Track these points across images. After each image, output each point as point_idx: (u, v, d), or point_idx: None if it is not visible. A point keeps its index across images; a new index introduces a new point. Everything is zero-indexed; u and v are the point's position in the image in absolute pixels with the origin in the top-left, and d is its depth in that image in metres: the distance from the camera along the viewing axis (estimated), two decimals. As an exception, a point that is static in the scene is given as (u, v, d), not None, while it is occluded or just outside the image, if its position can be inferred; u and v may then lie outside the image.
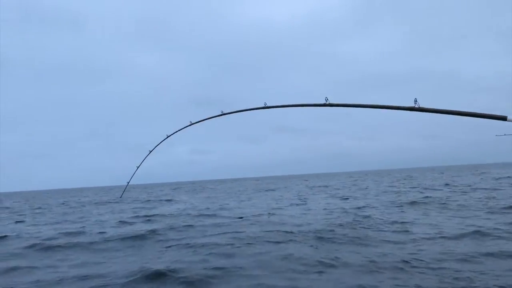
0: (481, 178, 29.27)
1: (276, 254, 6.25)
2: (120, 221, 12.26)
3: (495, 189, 17.51)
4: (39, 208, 25.05)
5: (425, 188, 21.61)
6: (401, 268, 5.16)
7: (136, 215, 14.98)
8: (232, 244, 7.25)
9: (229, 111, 7.00)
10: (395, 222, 9.23)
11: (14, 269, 6.16)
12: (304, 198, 19.45)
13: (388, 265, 5.33)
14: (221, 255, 6.39)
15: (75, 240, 8.70)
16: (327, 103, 4.37)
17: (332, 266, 5.44)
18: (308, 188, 32.35)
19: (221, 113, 6.69)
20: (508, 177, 27.83)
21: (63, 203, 29.65)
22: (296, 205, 15.49)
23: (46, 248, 7.96)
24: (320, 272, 5.19)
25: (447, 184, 24.20)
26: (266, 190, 32.22)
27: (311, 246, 6.91)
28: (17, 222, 14.98)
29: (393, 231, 8.00)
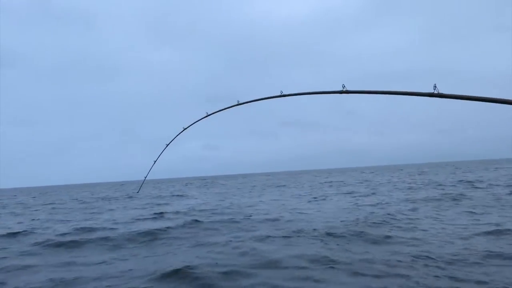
0: (501, 174, 28.79)
1: (288, 253, 6.21)
2: (133, 218, 12.34)
3: (509, 185, 17.21)
4: (52, 203, 25.41)
5: (439, 184, 21.32)
6: (413, 267, 5.08)
7: (148, 211, 15.08)
8: (243, 242, 7.24)
9: (245, 101, 6.91)
10: (409, 219, 9.11)
11: (27, 267, 6.15)
12: (316, 195, 19.36)
13: (402, 264, 5.26)
14: (235, 253, 6.37)
15: (88, 236, 8.77)
16: (344, 90, 4.27)
17: (344, 264, 5.38)
18: (319, 184, 32.21)
19: (237, 103, 6.62)
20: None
21: (77, 199, 30.03)
22: (308, 202, 15.43)
23: (60, 244, 8.02)
24: (331, 270, 5.13)
25: (460, 180, 23.85)
26: (278, 186, 32.19)
27: (324, 244, 6.85)
28: (29, 218, 15.18)
29: (407, 229, 7.89)
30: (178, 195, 26.70)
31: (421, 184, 22.39)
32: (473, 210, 10.17)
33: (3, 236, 9.62)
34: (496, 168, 42.87)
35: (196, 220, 10.55)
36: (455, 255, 5.62)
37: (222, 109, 7.31)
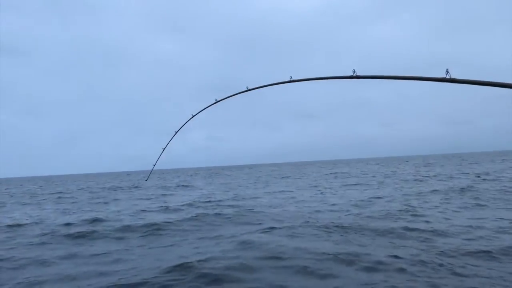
0: (508, 166, 28.54)
1: (293, 245, 6.19)
2: (138, 209, 12.39)
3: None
4: (59, 193, 25.62)
5: (446, 177, 21.18)
6: (418, 261, 5.04)
7: (154, 203, 15.17)
8: (248, 234, 7.24)
9: (255, 87, 6.83)
10: (415, 211, 9.04)
11: (34, 258, 6.16)
12: (322, 186, 19.33)
13: (407, 258, 5.22)
14: (240, 246, 6.37)
15: (94, 228, 8.81)
16: (354, 75, 4.17)
17: (349, 257, 5.35)
18: (324, 175, 32.17)
19: (246, 89, 6.53)
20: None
21: (84, 189, 30.26)
22: (313, 194, 15.40)
23: (66, 235, 8.06)
24: (336, 263, 5.11)
25: (467, 172, 23.69)
26: (283, 177, 32.20)
27: (329, 237, 6.83)
28: (36, 208, 15.32)
29: (412, 221, 7.82)
30: (183, 186, 26.81)
31: (427, 177, 22.25)
32: (480, 203, 10.10)
33: (11, 226, 9.71)
34: (503, 160, 42.53)
35: (201, 212, 10.58)
36: (461, 249, 5.57)
37: (232, 95, 7.20)
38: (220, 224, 8.72)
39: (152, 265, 5.45)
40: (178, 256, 5.96)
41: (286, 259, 5.45)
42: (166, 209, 12.09)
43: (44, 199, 20.58)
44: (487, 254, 5.33)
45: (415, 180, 20.06)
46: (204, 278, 4.77)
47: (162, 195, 19.13)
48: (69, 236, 8.04)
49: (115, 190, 26.45)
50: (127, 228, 8.57)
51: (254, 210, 10.94)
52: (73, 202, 17.39)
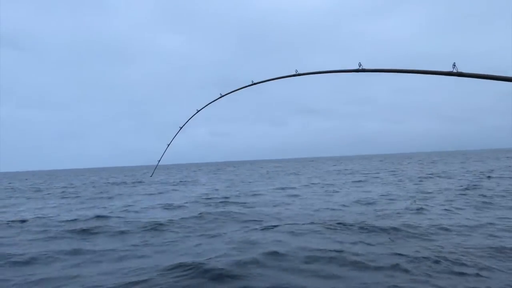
0: None
1: (296, 244, 6.16)
2: (142, 206, 12.38)
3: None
4: (64, 187, 25.74)
5: (450, 175, 21.09)
6: (421, 262, 4.99)
7: (158, 199, 15.19)
8: (251, 232, 7.21)
9: (260, 81, 6.75)
10: (418, 211, 8.99)
11: (36, 256, 6.10)
12: (325, 183, 19.29)
13: (410, 258, 5.17)
14: (243, 244, 6.34)
15: (97, 224, 8.80)
16: (360, 68, 4.08)
17: (351, 256, 5.32)
18: (327, 172, 32.13)
19: (251, 83, 6.44)
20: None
21: (87, 183, 30.37)
22: (317, 191, 15.37)
23: (69, 232, 8.06)
24: (339, 263, 5.07)
25: (471, 170, 23.58)
26: (286, 174, 32.18)
27: (332, 236, 6.78)
28: (39, 203, 15.37)
29: (416, 220, 7.77)
30: (187, 182, 26.85)
31: (431, 174, 22.17)
32: (486, 200, 10.04)
33: (14, 221, 9.73)
34: (508, 157, 42.30)
35: (205, 210, 10.57)
36: (466, 248, 5.52)
37: (237, 89, 7.12)
38: (224, 222, 8.70)
39: (155, 263, 5.43)
40: (181, 254, 5.95)
41: (289, 258, 5.42)
42: (170, 206, 12.08)
43: (48, 194, 20.67)
44: (491, 254, 5.28)
45: (419, 177, 19.97)
46: (208, 276, 4.75)
47: (166, 191, 19.16)
48: (73, 232, 8.04)
49: (118, 185, 26.52)
50: (131, 225, 8.56)
51: (257, 207, 10.93)
52: (76, 197, 17.45)
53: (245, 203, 12.09)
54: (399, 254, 5.40)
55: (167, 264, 5.26)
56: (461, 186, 14.24)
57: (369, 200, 11.51)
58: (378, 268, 4.84)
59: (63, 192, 21.62)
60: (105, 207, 12.53)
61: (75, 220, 9.59)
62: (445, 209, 9.21)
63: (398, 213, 8.88)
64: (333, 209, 9.93)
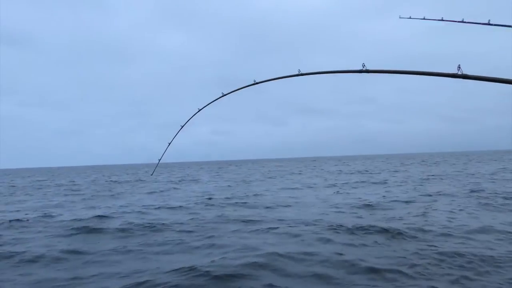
0: None
1: (296, 248, 6.13)
2: (143, 206, 12.32)
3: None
4: (65, 185, 25.77)
5: (455, 175, 21.01)
6: (425, 265, 4.95)
7: (159, 198, 15.17)
8: (252, 234, 7.18)
9: (262, 80, 6.74)
10: (421, 213, 8.93)
11: (37, 256, 6.05)
12: (327, 184, 19.25)
13: (413, 261, 5.13)
14: (244, 247, 6.31)
15: (99, 224, 8.78)
16: (363, 69, 4.03)
17: (354, 263, 5.27)
18: (329, 172, 32.08)
19: (254, 82, 6.42)
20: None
21: (89, 182, 30.41)
22: (318, 192, 15.33)
23: (71, 231, 8.04)
24: (340, 266, 5.03)
25: (473, 172, 23.49)
26: (287, 174, 32.15)
27: (333, 238, 6.73)
28: (41, 201, 15.37)
29: (419, 223, 7.71)
30: (188, 181, 26.85)
31: (434, 175, 22.09)
32: (488, 202, 9.98)
33: (16, 220, 9.71)
34: (511, 159, 42.17)
35: (206, 211, 10.55)
36: (469, 252, 5.46)
37: (239, 89, 7.08)
38: (225, 222, 8.65)
39: (157, 265, 5.40)
40: (182, 256, 5.92)
41: (289, 259, 5.39)
42: (171, 206, 12.05)
43: (49, 191, 20.70)
44: (493, 257, 5.23)
45: (422, 179, 19.90)
46: (208, 278, 4.72)
47: (167, 190, 19.14)
48: (75, 231, 8.03)
49: (120, 183, 26.54)
50: (132, 225, 8.52)
51: (259, 208, 10.89)
52: (78, 195, 17.47)
53: (246, 203, 12.06)
54: (401, 257, 5.37)
55: (168, 266, 5.24)
56: (465, 188, 14.16)
57: (371, 201, 11.45)
58: (379, 271, 4.80)
59: (65, 190, 21.64)
60: (106, 206, 12.52)
61: (77, 219, 9.58)
62: (449, 212, 9.14)
63: (400, 215, 8.82)
64: (334, 211, 9.89)
